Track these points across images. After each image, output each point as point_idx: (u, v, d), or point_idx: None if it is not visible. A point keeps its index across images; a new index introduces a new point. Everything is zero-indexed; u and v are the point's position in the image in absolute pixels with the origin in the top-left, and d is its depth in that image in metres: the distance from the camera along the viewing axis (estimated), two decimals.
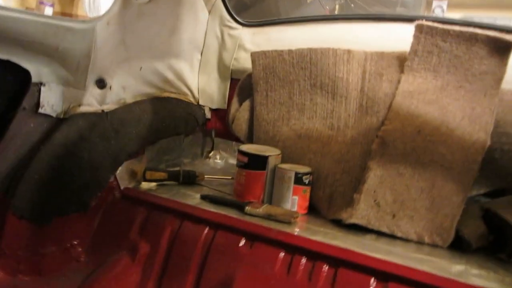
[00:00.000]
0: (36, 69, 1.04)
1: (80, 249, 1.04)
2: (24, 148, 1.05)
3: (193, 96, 1.44)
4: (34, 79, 1.04)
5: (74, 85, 1.11)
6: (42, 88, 1.06)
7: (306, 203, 1.06)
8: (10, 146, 1.02)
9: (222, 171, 1.43)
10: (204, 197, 1.08)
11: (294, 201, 1.04)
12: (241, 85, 1.37)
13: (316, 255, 0.84)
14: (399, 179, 0.99)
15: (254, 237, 0.92)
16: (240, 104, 1.36)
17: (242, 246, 0.91)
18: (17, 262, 1.01)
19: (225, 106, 1.50)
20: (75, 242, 1.03)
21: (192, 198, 1.09)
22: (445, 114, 1.05)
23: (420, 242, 0.95)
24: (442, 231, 0.94)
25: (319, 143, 1.18)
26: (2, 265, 1.01)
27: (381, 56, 1.25)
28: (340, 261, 0.82)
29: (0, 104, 1.01)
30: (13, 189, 1.02)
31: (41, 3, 2.67)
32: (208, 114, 1.49)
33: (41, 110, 1.06)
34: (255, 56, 1.29)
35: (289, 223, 0.96)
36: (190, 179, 1.19)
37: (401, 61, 1.20)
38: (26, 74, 1.02)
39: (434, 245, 0.94)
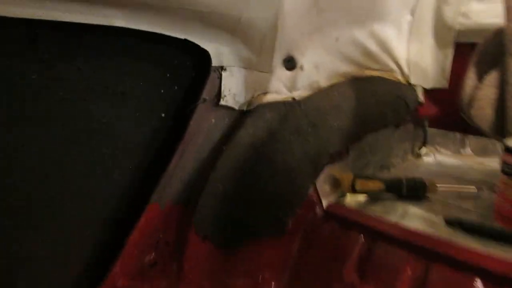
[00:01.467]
0: (216, 50, 0.82)
1: (274, 283, 0.78)
2: (205, 149, 0.85)
3: (402, 73, 1.06)
4: (214, 62, 0.81)
5: (258, 68, 0.87)
6: (223, 74, 0.83)
7: None
8: (190, 147, 0.82)
9: (440, 175, 1.02)
10: (452, 223, 0.70)
11: None
12: (482, 50, 0.93)
13: None
14: None
15: None
16: (481, 77, 0.92)
17: None
18: None
19: (445, 85, 1.07)
20: (267, 275, 0.78)
21: (430, 223, 0.72)
22: None
23: None
24: None
25: None
26: None
27: None
28: None
29: (178, 96, 0.81)
30: (194, 200, 0.82)
31: None
32: (421, 97, 1.08)
33: (222, 102, 0.84)
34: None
35: None
36: (417, 191, 0.82)
37: None
38: (204, 57, 0.81)
39: None
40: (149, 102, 0.79)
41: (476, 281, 0.59)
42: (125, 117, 0.77)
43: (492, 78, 0.91)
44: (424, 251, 0.65)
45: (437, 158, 1.11)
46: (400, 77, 1.06)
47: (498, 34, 0.90)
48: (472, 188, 0.86)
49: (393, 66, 1.04)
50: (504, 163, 0.71)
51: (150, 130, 0.80)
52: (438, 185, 0.85)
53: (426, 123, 1.12)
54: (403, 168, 1.04)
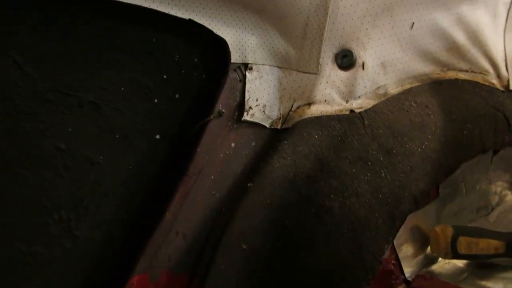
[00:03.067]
0: (238, 39, 0.57)
1: None
2: (221, 188, 0.58)
3: (498, 75, 0.78)
4: (235, 58, 0.56)
5: (299, 67, 0.62)
6: (248, 75, 0.58)
7: None
8: (197, 186, 0.56)
9: None
10: None
11: None
12: None
13: None
14: None
15: None
16: None
17: None
18: None
19: None
20: None
21: None
22: None
23: None
24: None
25: None
26: None
27: None
28: None
29: (180, 107, 0.55)
30: (205, 268, 0.55)
31: None
32: None
33: (246, 117, 0.58)
34: None
35: None
36: None
37: None
38: (220, 49, 0.55)
39: None
40: (135, 118, 0.53)
41: None
42: (97, 142, 0.51)
43: None
44: None
45: None
46: (495, 82, 0.78)
47: None
48: None
49: (486, 65, 0.76)
50: None
51: (136, 161, 0.54)
52: None
53: None
54: (504, 211, 0.74)
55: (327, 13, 0.60)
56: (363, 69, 0.64)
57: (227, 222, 0.56)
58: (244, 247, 0.54)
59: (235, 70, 0.58)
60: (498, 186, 0.79)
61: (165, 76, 0.54)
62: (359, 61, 0.64)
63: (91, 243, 0.52)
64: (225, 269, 0.54)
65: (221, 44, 0.56)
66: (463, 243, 0.54)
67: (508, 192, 0.82)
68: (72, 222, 0.51)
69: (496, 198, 0.78)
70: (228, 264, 0.54)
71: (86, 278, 0.52)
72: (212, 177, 0.58)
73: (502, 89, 0.79)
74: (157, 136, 0.56)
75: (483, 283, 0.53)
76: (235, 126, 0.58)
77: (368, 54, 0.65)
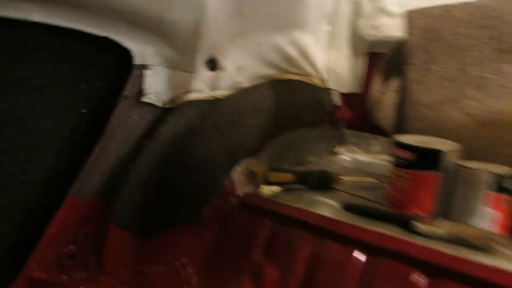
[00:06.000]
0: (139, 49, 0.91)
1: (190, 270, 0.88)
2: (126, 145, 0.93)
3: (320, 78, 1.21)
4: (137, 61, 0.91)
5: (182, 68, 0.97)
6: (147, 72, 0.93)
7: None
8: (111, 143, 0.91)
9: (353, 171, 1.18)
10: (349, 208, 0.84)
11: (491, 217, 0.74)
12: (387, 59, 1.10)
13: None
14: None
15: (438, 271, 0.65)
16: (386, 83, 1.09)
17: (419, 283, 0.65)
18: (120, 282, 0.89)
19: (359, 90, 1.24)
20: (185, 261, 0.88)
21: (331, 209, 0.86)
22: None
23: None
24: None
25: None
26: (105, 283, 0.89)
27: None
28: None
29: (99, 92, 0.90)
30: (115, 195, 0.90)
31: None
32: (338, 100, 1.24)
33: (144, 99, 0.93)
34: (412, 16, 1.01)
35: (488, 251, 0.67)
36: (323, 182, 0.96)
37: None
38: (127, 55, 0.90)
39: None
40: (69, 98, 0.86)
41: (359, 253, 0.72)
42: (43, 112, 0.83)
43: (394, 84, 1.08)
44: (318, 229, 0.78)
45: (351, 156, 1.27)
46: (318, 82, 1.21)
47: (400, 45, 1.07)
48: (371, 180, 1.02)
49: (311, 71, 1.18)
50: (395, 156, 0.86)
51: (69, 126, 0.87)
52: (341, 177, 0.99)
53: (342, 125, 1.28)
54: (319, 164, 1.18)
55: (200, 34, 0.96)
56: (224, 71, 1.02)
57: (131, 165, 0.91)
58: (140, 179, 0.90)
59: (137, 69, 0.93)
60: (317, 149, 1.22)
61: (89, 72, 0.88)
62: (221, 65, 1.02)
63: (36, 179, 0.84)
64: (129, 191, 0.89)
65: (128, 52, 0.91)
66: (272, 175, 0.95)
67: (327, 154, 1.26)
68: (25, 164, 0.83)
69: (315, 157, 1.21)
70: (131, 188, 0.89)
71: (33, 200, 0.83)
72: (121, 137, 0.92)
73: (323, 87, 1.22)
74: (83, 110, 0.89)
75: (283, 197, 0.93)
76: (136, 105, 0.93)
77: (228, 61, 1.02)
